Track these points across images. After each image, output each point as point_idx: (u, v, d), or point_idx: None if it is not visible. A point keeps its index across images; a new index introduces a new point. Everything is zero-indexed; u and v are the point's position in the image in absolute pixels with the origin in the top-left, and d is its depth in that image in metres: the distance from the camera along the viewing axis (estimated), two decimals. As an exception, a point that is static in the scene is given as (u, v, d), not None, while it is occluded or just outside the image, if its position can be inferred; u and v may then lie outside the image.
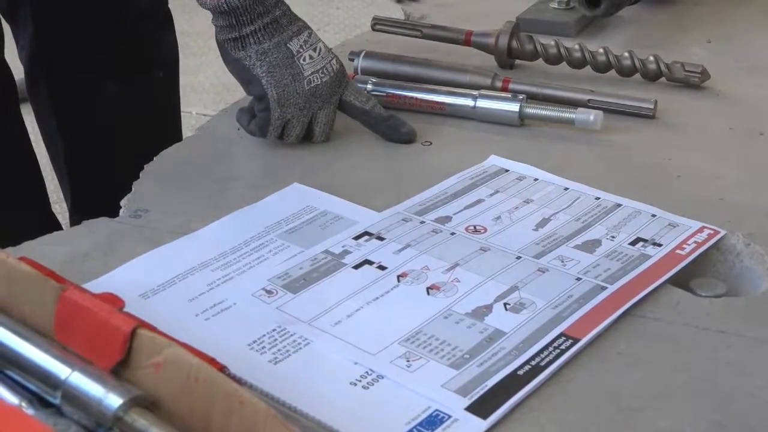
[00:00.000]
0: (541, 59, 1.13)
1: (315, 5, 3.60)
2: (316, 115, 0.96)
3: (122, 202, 0.89)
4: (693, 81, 1.08)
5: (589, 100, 1.03)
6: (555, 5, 1.30)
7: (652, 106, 1.02)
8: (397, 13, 1.38)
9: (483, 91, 1.03)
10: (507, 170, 0.91)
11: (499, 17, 1.31)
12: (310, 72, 0.94)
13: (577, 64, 1.11)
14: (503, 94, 1.02)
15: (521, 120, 1.00)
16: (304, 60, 0.94)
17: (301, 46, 0.94)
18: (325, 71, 0.95)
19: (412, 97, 1.04)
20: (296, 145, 0.97)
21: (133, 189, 0.91)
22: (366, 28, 1.31)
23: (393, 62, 1.11)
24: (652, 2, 1.35)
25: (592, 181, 0.89)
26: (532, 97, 1.04)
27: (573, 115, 0.98)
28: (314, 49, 0.95)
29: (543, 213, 0.83)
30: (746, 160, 0.95)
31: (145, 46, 1.41)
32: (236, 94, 1.01)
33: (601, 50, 1.10)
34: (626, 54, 1.09)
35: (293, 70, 0.93)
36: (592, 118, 0.97)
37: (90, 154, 1.42)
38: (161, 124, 1.46)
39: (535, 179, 0.89)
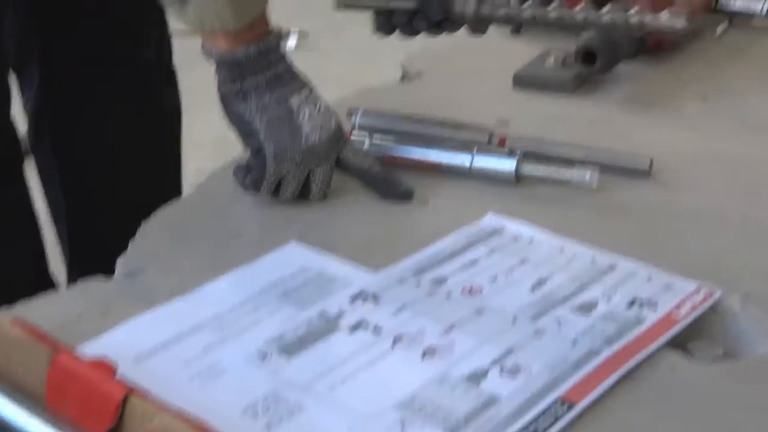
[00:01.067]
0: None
1: (313, 60, 3.63)
2: (314, 172, 0.96)
3: (118, 261, 0.89)
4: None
5: (585, 157, 1.03)
6: (552, 61, 1.31)
7: (647, 164, 1.03)
8: (396, 69, 1.39)
9: (480, 149, 1.03)
10: (503, 229, 0.91)
11: (497, 73, 1.32)
12: (308, 129, 0.94)
13: (552, 22, 1.05)
14: (500, 152, 1.02)
15: (518, 178, 1.01)
16: (303, 116, 0.94)
17: (301, 103, 0.94)
18: (324, 128, 0.95)
19: (409, 155, 1.04)
20: (294, 202, 0.97)
21: (129, 247, 0.91)
22: (365, 83, 1.32)
23: (390, 119, 1.11)
24: (648, 59, 1.36)
25: (587, 239, 0.89)
26: (529, 154, 1.04)
27: (569, 174, 0.98)
28: (314, 106, 0.95)
29: (539, 273, 0.83)
30: (742, 219, 0.95)
31: (148, 100, 1.42)
32: (237, 149, 1.02)
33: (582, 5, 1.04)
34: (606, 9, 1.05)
35: (292, 126, 0.94)
36: (587, 176, 0.97)
37: (91, 209, 1.43)
38: (162, 179, 1.47)
39: (531, 238, 0.89)
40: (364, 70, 3.56)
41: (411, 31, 1.08)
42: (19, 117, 1.34)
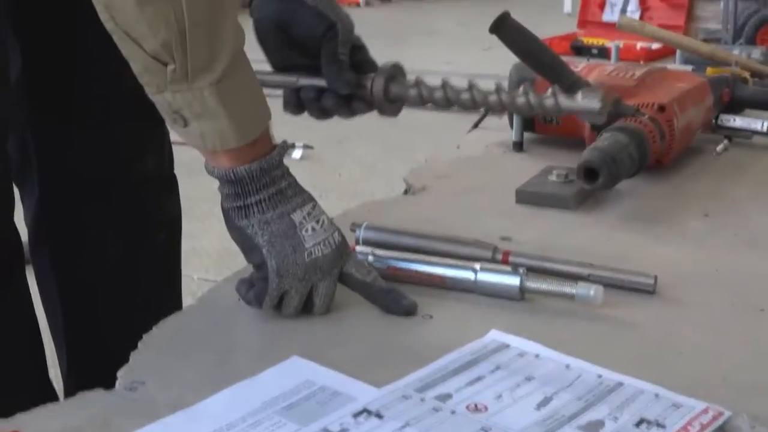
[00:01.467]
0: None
1: (317, 172, 3.67)
2: (317, 286, 0.96)
3: (119, 373, 0.88)
4: (593, 107, 0.97)
5: (589, 274, 1.03)
6: (554, 178, 1.32)
7: (652, 282, 1.03)
8: (399, 185, 1.40)
9: (483, 264, 1.03)
10: (508, 345, 0.90)
11: (499, 189, 1.33)
12: (311, 244, 0.94)
13: (467, 105, 1.02)
14: (503, 268, 1.02)
15: (522, 294, 1.00)
16: (306, 231, 0.94)
17: (304, 218, 0.95)
18: (326, 243, 0.95)
19: (412, 270, 1.04)
20: (296, 316, 0.97)
21: (130, 359, 0.90)
22: (368, 196, 1.33)
23: (394, 234, 1.12)
24: (649, 176, 1.37)
25: (593, 356, 0.88)
26: (532, 270, 1.04)
27: (573, 290, 0.98)
28: (317, 222, 0.95)
29: (544, 391, 0.82)
30: (748, 338, 0.94)
31: (149, 209, 1.43)
32: (238, 260, 1.02)
33: (493, 88, 1.00)
34: (521, 91, 1.00)
35: (294, 241, 0.94)
36: (592, 293, 0.97)
37: (89, 320, 1.42)
38: (162, 288, 1.46)
39: (537, 355, 0.89)
40: (367, 183, 3.60)
41: (320, 109, 1.07)
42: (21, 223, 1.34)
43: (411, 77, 1.06)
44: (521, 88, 1.00)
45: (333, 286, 0.97)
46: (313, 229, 0.95)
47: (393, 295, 0.98)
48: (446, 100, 0.98)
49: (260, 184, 0.93)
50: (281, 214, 0.94)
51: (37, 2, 1.29)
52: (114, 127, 1.36)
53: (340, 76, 1.02)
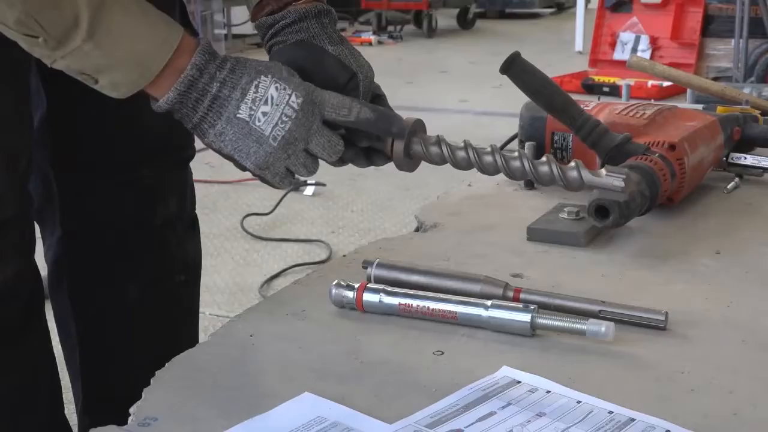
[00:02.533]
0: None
1: (330, 208, 3.69)
2: (308, 148, 0.96)
3: (131, 410, 0.89)
4: (616, 185, 0.99)
5: (600, 311, 1.04)
6: (565, 216, 1.33)
7: (663, 318, 1.03)
8: (411, 221, 1.41)
9: (495, 301, 1.04)
10: (519, 382, 0.91)
11: (510, 226, 1.34)
12: (270, 129, 0.94)
13: (489, 168, 1.01)
14: (514, 305, 1.03)
15: (533, 330, 1.01)
16: (259, 121, 0.94)
17: (250, 108, 0.94)
18: (285, 117, 0.94)
19: (424, 307, 1.05)
20: (309, 350, 0.97)
21: (143, 396, 0.91)
22: (380, 233, 1.33)
23: (406, 271, 1.12)
24: (660, 213, 1.38)
25: (604, 393, 0.88)
26: (544, 307, 1.04)
27: (584, 326, 0.98)
28: (265, 102, 0.94)
29: (556, 427, 0.82)
30: (759, 375, 0.94)
31: (170, 250, 1.43)
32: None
33: (516, 154, 1.01)
34: (544, 159, 1.01)
35: (254, 136, 0.93)
36: (603, 329, 0.97)
37: (105, 358, 1.42)
38: (179, 328, 1.46)
39: (548, 391, 0.89)
40: (379, 220, 3.61)
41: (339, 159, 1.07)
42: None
43: (424, 115, 1.07)
44: (545, 157, 1.00)
45: (325, 137, 0.96)
46: (264, 113, 0.94)
47: (381, 124, 0.97)
48: (468, 161, 0.98)
49: (191, 102, 0.93)
50: (228, 119, 0.93)
51: None
52: (137, 171, 1.36)
53: (358, 131, 1.02)
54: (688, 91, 1.99)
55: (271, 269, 3.06)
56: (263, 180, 0.97)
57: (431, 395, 0.88)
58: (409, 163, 1.00)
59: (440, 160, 0.99)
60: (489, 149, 0.98)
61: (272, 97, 0.94)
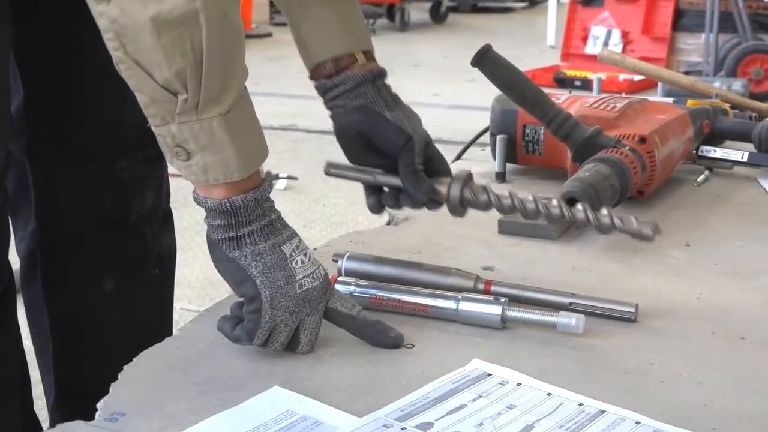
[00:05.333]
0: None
1: (302, 202, 3.67)
2: (304, 321, 0.96)
3: (99, 405, 0.88)
4: (645, 233, 1.04)
5: (570, 303, 1.04)
6: (536, 208, 1.33)
7: (633, 310, 1.03)
8: (382, 215, 1.40)
9: (465, 294, 1.03)
10: (490, 374, 0.91)
11: (482, 219, 1.33)
12: (301, 276, 0.94)
13: (531, 214, 1.08)
14: (485, 297, 1.03)
15: (504, 323, 1.01)
16: (296, 263, 0.94)
17: (293, 250, 0.95)
18: (315, 276, 0.95)
19: (395, 299, 1.04)
20: (281, 351, 0.97)
21: (110, 391, 0.90)
22: (352, 227, 1.33)
23: (376, 264, 1.12)
24: (630, 206, 1.38)
25: (575, 385, 0.88)
26: (514, 300, 1.04)
27: (555, 319, 0.98)
28: (305, 255, 0.95)
29: (526, 420, 0.82)
30: (729, 365, 0.95)
31: (145, 243, 1.42)
32: (221, 290, 1.02)
33: (555, 202, 1.07)
34: (579, 207, 1.07)
35: (286, 273, 0.94)
36: (573, 321, 0.97)
37: (78, 352, 1.41)
38: (154, 321, 1.45)
39: (518, 384, 0.89)
40: (351, 213, 3.60)
41: (397, 207, 1.12)
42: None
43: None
44: (579, 205, 1.06)
45: (319, 322, 0.97)
46: (302, 261, 0.95)
47: (379, 327, 0.98)
48: (512, 208, 1.07)
49: (254, 216, 0.93)
50: (273, 245, 0.94)
51: (40, 37, 1.29)
52: (113, 164, 1.35)
53: (418, 187, 1.06)
54: (659, 84, 2.00)
55: (242, 263, 3.04)
56: (248, 326, 0.95)
57: (401, 388, 0.88)
58: (461, 209, 1.08)
59: (487, 207, 1.08)
60: (531, 198, 1.07)
61: (310, 256, 0.97)
